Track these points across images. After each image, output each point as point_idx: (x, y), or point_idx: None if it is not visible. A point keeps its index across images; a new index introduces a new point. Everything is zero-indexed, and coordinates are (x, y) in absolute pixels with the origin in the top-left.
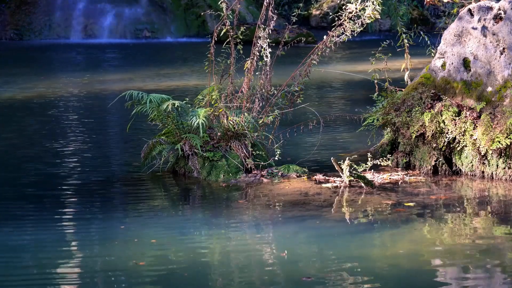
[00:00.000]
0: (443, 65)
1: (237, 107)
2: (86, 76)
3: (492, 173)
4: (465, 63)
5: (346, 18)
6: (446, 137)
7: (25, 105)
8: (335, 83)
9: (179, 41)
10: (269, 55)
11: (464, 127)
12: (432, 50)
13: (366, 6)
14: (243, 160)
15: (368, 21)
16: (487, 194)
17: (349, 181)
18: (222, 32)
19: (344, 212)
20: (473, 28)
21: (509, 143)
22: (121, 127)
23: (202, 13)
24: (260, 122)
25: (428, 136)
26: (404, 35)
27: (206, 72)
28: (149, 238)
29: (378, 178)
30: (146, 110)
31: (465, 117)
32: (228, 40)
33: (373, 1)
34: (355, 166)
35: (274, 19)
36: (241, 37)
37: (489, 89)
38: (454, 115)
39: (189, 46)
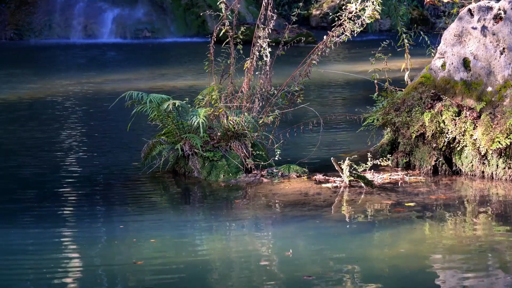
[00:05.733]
0: (443, 65)
1: (237, 107)
2: (86, 76)
3: (492, 173)
4: (465, 63)
5: (346, 18)
6: (446, 137)
7: (25, 105)
8: (335, 83)
9: (179, 41)
10: (268, 55)
11: (464, 127)
12: (432, 50)
13: (366, 6)
14: (243, 160)
15: (368, 21)
16: (487, 194)
17: (349, 181)
18: (222, 32)
19: (344, 212)
20: (473, 28)
21: (509, 143)
22: (121, 127)
23: (201, 14)
24: (260, 122)
25: (428, 136)
26: (404, 35)
27: (206, 72)
28: (148, 237)
29: (378, 178)
30: (146, 110)
31: (465, 117)
32: (227, 40)
33: (373, 1)
34: (355, 166)
35: (274, 18)
36: (241, 37)
37: (489, 89)
38: (454, 115)
39: (189, 46)
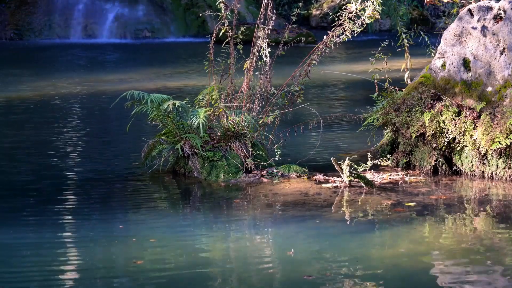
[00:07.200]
0: (443, 65)
1: (237, 107)
2: (86, 76)
3: (492, 173)
4: (465, 63)
5: (346, 18)
6: (446, 137)
7: (25, 105)
8: (335, 83)
9: (179, 41)
10: (268, 55)
11: (464, 127)
12: (432, 50)
13: (366, 6)
14: (243, 160)
15: (368, 21)
16: (487, 194)
17: (349, 181)
18: (221, 32)
19: (344, 212)
20: (473, 28)
21: (509, 143)
22: (121, 127)
23: (201, 14)
24: (260, 122)
25: (428, 136)
26: (404, 35)
27: (206, 72)
28: (148, 237)
29: (378, 178)
30: (146, 110)
31: (465, 117)
32: (227, 40)
33: (373, 1)
34: (355, 166)
35: (273, 18)
36: (241, 37)
37: (489, 89)
38: (454, 115)
39: (189, 46)
